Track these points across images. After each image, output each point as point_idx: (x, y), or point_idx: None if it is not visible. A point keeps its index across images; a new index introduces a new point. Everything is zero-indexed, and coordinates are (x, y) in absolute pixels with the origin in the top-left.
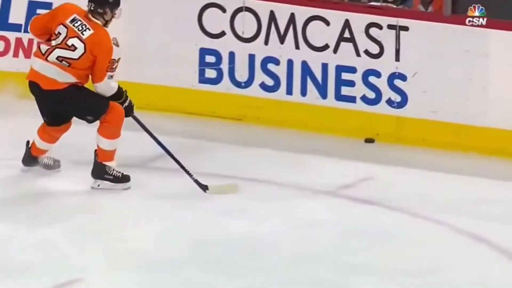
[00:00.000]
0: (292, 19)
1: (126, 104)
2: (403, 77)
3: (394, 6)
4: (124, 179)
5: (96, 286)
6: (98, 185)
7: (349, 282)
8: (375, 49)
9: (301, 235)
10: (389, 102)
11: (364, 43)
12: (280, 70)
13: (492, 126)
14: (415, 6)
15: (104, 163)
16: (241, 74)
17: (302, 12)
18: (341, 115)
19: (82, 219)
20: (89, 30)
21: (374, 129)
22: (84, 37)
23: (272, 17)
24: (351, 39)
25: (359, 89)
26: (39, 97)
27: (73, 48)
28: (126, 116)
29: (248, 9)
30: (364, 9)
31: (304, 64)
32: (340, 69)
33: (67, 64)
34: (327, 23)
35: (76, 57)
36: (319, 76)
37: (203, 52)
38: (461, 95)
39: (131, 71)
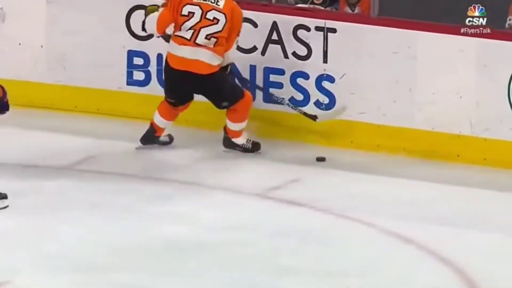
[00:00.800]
0: None
1: (228, 70)
2: (331, 79)
3: (322, 8)
4: (256, 147)
5: None
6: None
7: (278, 284)
8: (303, 51)
9: (230, 237)
10: (317, 104)
11: (292, 45)
12: None
13: (419, 128)
14: (342, 8)
15: (234, 141)
16: None
17: None
18: (270, 117)
19: (11, 221)
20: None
21: (302, 131)
22: (220, 7)
23: None
24: (279, 41)
25: (287, 91)
26: (182, 82)
27: (215, 21)
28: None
29: None
30: (291, 11)
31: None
32: (268, 71)
33: (214, 41)
34: (255, 25)
35: (221, 29)
36: (247, 78)
37: (131, 54)
38: (388, 97)
39: (59, 74)
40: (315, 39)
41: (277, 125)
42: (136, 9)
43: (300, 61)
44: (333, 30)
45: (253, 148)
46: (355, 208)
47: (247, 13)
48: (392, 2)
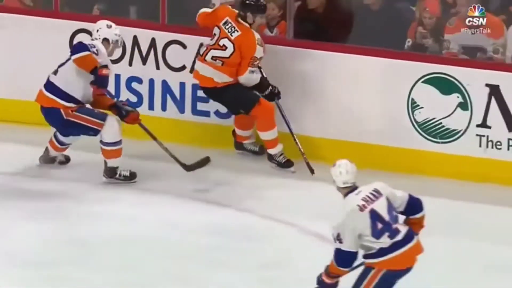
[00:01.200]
0: (153, 43)
1: (266, 92)
2: None
3: None
4: (287, 164)
5: None
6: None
7: (210, 277)
8: None
9: (163, 236)
10: None
11: None
12: (143, 88)
13: (331, 138)
14: (262, 30)
15: (269, 151)
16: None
17: (162, 37)
18: (198, 127)
19: None
20: (237, 31)
21: (227, 139)
22: (232, 37)
23: (135, 41)
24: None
25: (213, 105)
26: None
27: (224, 47)
28: (270, 100)
29: None
30: None
31: (164, 83)
32: (195, 87)
33: (221, 63)
34: (184, 46)
35: (228, 56)
36: (177, 94)
37: None
38: (303, 111)
39: (10, 89)
40: None
41: (205, 134)
42: (79, 32)
43: None
44: None
45: (285, 164)
46: (278, 209)
47: (177, 36)
48: (306, 25)
